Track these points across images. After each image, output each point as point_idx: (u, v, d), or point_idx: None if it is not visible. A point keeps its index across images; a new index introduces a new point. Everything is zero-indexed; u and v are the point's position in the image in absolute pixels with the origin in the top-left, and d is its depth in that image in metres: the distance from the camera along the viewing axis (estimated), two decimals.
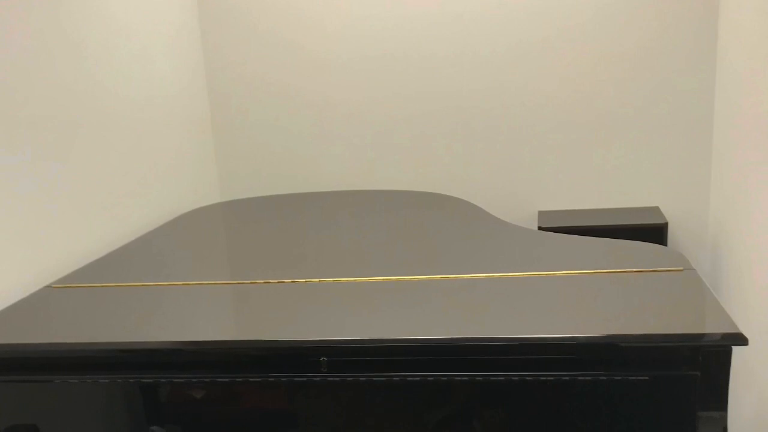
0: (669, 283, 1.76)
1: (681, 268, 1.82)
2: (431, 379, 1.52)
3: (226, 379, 1.58)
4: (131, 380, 1.61)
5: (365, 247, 2.35)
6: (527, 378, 1.49)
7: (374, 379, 1.53)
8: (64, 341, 1.64)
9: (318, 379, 1.54)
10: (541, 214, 3.33)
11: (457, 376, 1.51)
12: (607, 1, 3.15)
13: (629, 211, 3.27)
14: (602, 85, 3.24)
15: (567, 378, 1.48)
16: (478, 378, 1.50)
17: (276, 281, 1.94)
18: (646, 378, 1.46)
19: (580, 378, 1.48)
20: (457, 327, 1.62)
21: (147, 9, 2.91)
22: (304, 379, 1.55)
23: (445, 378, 1.51)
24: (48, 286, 2.01)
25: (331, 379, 1.54)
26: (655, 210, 3.24)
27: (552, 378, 1.48)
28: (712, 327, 1.51)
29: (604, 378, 1.47)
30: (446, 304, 1.77)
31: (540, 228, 3.05)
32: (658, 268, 1.83)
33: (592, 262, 1.94)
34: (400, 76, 3.37)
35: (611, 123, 3.27)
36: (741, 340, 1.40)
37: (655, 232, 2.99)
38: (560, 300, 1.73)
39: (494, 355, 1.51)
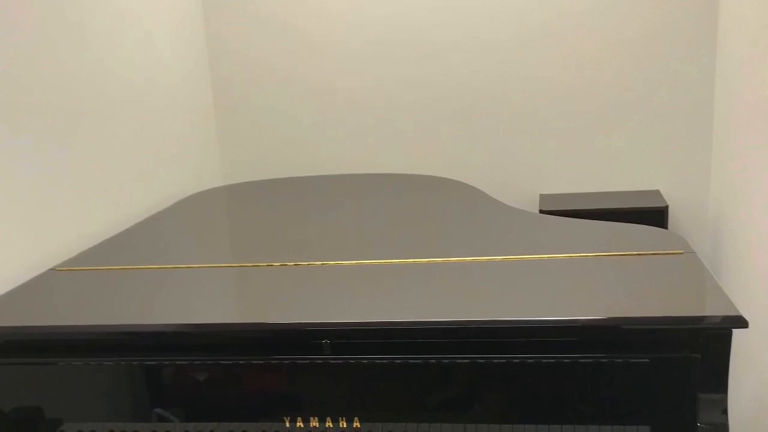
0: (669, 266, 1.76)
1: (681, 251, 1.82)
2: (433, 361, 1.52)
3: (229, 362, 1.59)
4: (135, 362, 1.62)
5: (368, 231, 2.36)
6: (529, 360, 1.50)
7: (377, 361, 1.54)
8: (68, 324, 1.65)
9: (320, 361, 1.55)
10: (542, 197, 3.34)
11: (459, 358, 1.52)
12: None
13: (630, 195, 3.27)
14: (604, 69, 3.24)
15: (568, 360, 1.49)
16: (479, 360, 1.51)
17: (279, 264, 1.95)
18: (647, 360, 1.46)
19: (581, 360, 1.48)
20: (459, 310, 1.62)
21: None
22: (307, 361, 1.55)
23: (447, 360, 1.52)
24: (51, 269, 2.02)
25: (334, 361, 1.54)
26: (656, 193, 3.24)
27: (553, 360, 1.49)
28: (712, 309, 1.51)
29: (605, 360, 1.48)
30: (448, 286, 1.77)
31: (541, 211, 3.06)
32: (659, 251, 1.83)
33: (593, 245, 1.94)
34: (402, 61, 3.37)
35: (613, 107, 3.27)
36: (741, 322, 1.41)
37: (655, 215, 3.00)
38: (561, 283, 1.73)
39: (496, 337, 1.51)
